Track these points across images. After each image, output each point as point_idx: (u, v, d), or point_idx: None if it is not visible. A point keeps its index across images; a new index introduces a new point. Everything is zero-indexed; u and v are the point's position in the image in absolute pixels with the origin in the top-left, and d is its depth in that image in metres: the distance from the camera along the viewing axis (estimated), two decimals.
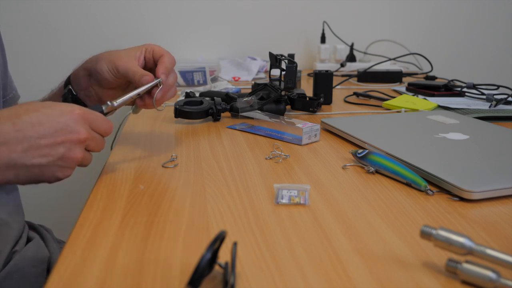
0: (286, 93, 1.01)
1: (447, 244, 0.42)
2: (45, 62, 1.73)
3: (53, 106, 0.58)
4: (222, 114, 0.98)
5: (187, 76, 1.40)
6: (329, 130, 0.89)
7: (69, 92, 0.81)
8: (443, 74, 1.56)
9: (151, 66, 0.78)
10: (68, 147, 0.56)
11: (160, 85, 0.72)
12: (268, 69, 1.06)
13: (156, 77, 0.73)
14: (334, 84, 1.19)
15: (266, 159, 0.73)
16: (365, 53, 1.85)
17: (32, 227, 0.91)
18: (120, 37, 1.79)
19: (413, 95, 1.22)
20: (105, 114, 0.69)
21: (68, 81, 0.82)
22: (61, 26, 1.75)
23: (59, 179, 0.59)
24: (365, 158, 0.69)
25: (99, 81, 0.77)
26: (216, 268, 0.42)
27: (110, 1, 1.77)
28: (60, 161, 0.56)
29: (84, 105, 0.82)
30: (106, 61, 0.75)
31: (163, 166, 0.69)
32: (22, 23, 1.72)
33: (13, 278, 0.76)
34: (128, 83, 0.78)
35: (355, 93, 1.25)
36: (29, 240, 0.86)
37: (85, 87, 0.80)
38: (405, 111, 1.07)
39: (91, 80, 0.79)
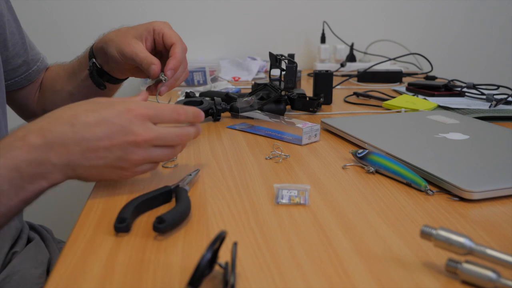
0: (286, 93, 1.01)
1: (447, 244, 0.42)
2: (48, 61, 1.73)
3: (111, 105, 0.55)
4: (222, 114, 0.98)
5: (187, 77, 1.40)
6: (329, 130, 0.89)
7: (93, 66, 0.82)
8: (443, 74, 1.56)
9: (161, 48, 0.78)
10: (125, 150, 0.54)
11: (165, 81, 0.73)
12: (268, 69, 1.06)
13: (163, 72, 0.73)
14: (334, 84, 1.19)
15: (266, 159, 0.73)
16: (365, 53, 1.85)
17: (32, 227, 0.91)
18: None
19: (413, 95, 1.22)
20: None
21: (92, 54, 0.83)
22: (66, 25, 1.75)
23: (121, 179, 0.58)
24: (365, 158, 0.69)
25: (112, 62, 0.79)
26: (216, 268, 0.42)
27: (112, 1, 1.77)
28: (117, 163, 0.54)
29: (110, 76, 0.84)
30: (114, 45, 0.75)
31: (163, 166, 0.69)
32: (26, 22, 1.71)
33: (13, 279, 0.76)
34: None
35: (355, 93, 1.25)
36: (29, 240, 0.86)
37: (106, 61, 0.82)
38: (405, 111, 1.07)
39: (106, 56, 0.80)
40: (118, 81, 0.86)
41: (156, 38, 0.77)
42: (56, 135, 0.52)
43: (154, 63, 0.72)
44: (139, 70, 0.79)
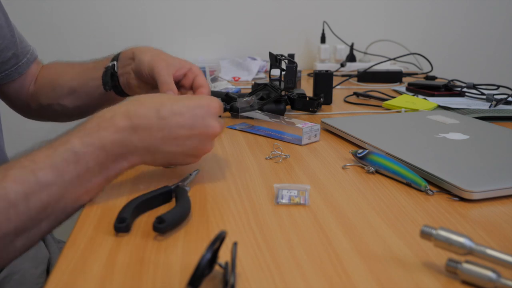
0: (286, 93, 1.01)
1: (447, 244, 0.42)
2: (47, 61, 1.73)
3: (192, 98, 0.61)
4: (222, 114, 0.98)
5: None
6: (329, 130, 0.89)
7: (112, 67, 0.83)
8: (443, 74, 1.56)
9: (186, 86, 0.79)
10: (202, 140, 0.59)
11: None
12: (268, 69, 1.06)
13: None
14: (334, 84, 1.19)
15: (266, 159, 0.73)
16: (365, 53, 1.85)
17: None
18: (121, 35, 1.79)
19: (413, 95, 1.22)
20: None
21: (116, 58, 0.84)
22: (66, 25, 1.76)
23: (187, 164, 0.63)
24: (365, 158, 0.69)
25: (136, 69, 0.79)
26: (216, 268, 0.42)
27: (112, 1, 1.77)
28: (192, 151, 0.59)
29: (118, 86, 0.84)
30: (149, 56, 0.77)
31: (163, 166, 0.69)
32: (26, 22, 1.71)
33: (13, 278, 0.76)
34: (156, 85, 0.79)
35: (355, 93, 1.25)
36: None
37: (123, 66, 0.82)
38: (405, 111, 1.07)
39: (132, 64, 0.80)
40: (120, 94, 0.85)
41: (189, 74, 0.78)
42: (142, 120, 0.56)
43: (172, 90, 0.73)
44: (150, 88, 0.80)
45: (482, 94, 1.17)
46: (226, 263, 0.41)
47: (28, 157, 0.52)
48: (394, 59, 1.56)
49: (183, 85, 0.79)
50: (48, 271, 0.82)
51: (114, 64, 0.83)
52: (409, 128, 0.88)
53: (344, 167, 0.70)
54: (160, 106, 0.57)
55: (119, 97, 0.86)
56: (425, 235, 0.43)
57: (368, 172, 0.68)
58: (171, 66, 0.76)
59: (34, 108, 0.96)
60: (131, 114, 0.56)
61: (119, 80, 0.83)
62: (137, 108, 0.56)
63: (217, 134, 0.60)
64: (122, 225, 0.49)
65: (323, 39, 1.79)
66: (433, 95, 1.21)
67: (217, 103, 0.61)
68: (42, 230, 0.52)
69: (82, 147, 0.52)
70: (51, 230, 0.54)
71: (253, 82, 1.22)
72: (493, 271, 0.40)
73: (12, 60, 0.90)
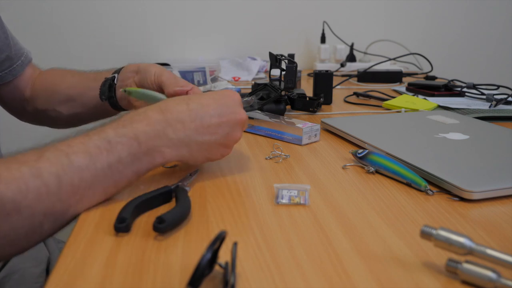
0: (286, 93, 1.01)
1: (447, 244, 0.42)
2: (47, 61, 1.73)
3: (215, 91, 0.65)
4: None
5: (187, 76, 1.40)
6: (329, 130, 0.89)
7: (112, 79, 0.83)
8: (443, 74, 1.56)
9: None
10: (232, 127, 0.62)
11: None
12: (268, 69, 1.06)
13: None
14: (334, 84, 1.19)
15: (266, 159, 0.73)
16: (365, 53, 1.85)
17: None
18: (121, 35, 1.79)
19: (413, 95, 1.22)
20: None
21: (118, 71, 0.84)
22: (66, 25, 1.76)
23: (222, 157, 0.64)
24: (365, 158, 0.69)
25: (140, 81, 0.79)
26: (216, 268, 0.42)
27: (112, 1, 1.77)
28: (224, 139, 0.61)
29: (114, 100, 0.84)
30: (157, 68, 0.78)
31: (163, 166, 0.69)
32: (26, 22, 1.72)
33: (12, 278, 0.76)
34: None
35: (355, 93, 1.25)
36: None
37: (124, 79, 0.82)
38: (405, 111, 1.07)
39: (135, 77, 0.80)
40: (114, 107, 0.85)
41: (189, 94, 0.78)
42: (174, 113, 0.58)
43: (185, 86, 0.74)
44: None
45: (482, 94, 1.17)
46: (226, 263, 0.41)
47: (64, 142, 0.53)
48: (394, 59, 1.56)
49: None
50: (47, 271, 0.82)
51: (114, 76, 0.83)
52: (409, 128, 0.88)
53: (344, 167, 0.70)
54: (188, 100, 0.61)
55: (113, 110, 0.85)
56: (425, 235, 0.43)
57: (368, 172, 0.68)
58: (178, 79, 0.76)
59: (29, 111, 0.96)
60: (163, 109, 0.59)
61: (115, 92, 0.83)
62: (167, 104, 0.60)
63: (244, 120, 0.63)
64: (122, 225, 0.49)
65: (323, 39, 1.79)
66: (433, 95, 1.21)
67: (238, 95, 0.65)
68: (69, 216, 0.52)
69: (115, 136, 0.54)
70: (75, 217, 0.54)
71: (253, 82, 1.22)
72: (493, 271, 0.40)
73: (6, 62, 0.90)
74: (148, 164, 0.57)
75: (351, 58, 1.78)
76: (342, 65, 1.72)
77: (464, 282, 0.41)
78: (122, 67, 0.84)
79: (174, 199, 0.56)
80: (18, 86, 0.95)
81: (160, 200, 0.56)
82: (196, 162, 0.62)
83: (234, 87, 1.34)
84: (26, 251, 0.54)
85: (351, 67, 1.73)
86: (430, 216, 0.54)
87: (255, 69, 1.61)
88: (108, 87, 0.83)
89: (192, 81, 1.41)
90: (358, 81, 1.50)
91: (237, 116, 0.62)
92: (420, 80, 1.48)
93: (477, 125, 0.89)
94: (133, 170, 0.56)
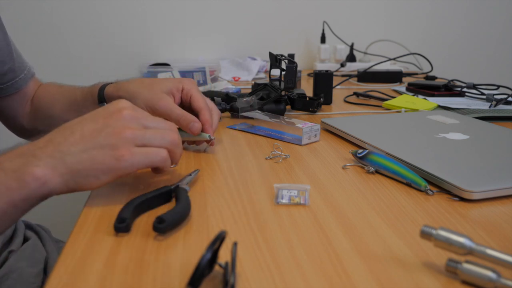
0: (286, 93, 1.01)
1: (447, 244, 0.42)
2: (47, 61, 1.73)
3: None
4: (222, 114, 0.98)
5: (187, 76, 1.40)
6: (329, 130, 0.89)
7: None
8: (443, 74, 1.56)
9: (186, 106, 0.76)
10: (111, 124, 0.53)
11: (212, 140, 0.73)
12: (268, 69, 1.06)
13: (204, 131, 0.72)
14: (334, 84, 1.19)
15: (266, 159, 0.73)
16: (365, 53, 1.85)
17: (29, 226, 0.91)
18: (121, 35, 1.79)
19: (413, 95, 1.22)
20: None
21: (103, 98, 0.80)
22: (66, 25, 1.76)
23: (118, 164, 0.52)
24: (365, 158, 0.69)
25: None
26: (216, 268, 0.42)
27: (112, 1, 1.77)
28: (106, 140, 0.52)
29: None
30: (143, 99, 0.72)
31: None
32: (26, 22, 1.72)
33: (10, 278, 0.76)
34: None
35: (355, 93, 1.25)
36: (26, 239, 0.86)
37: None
38: (405, 111, 1.07)
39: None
40: None
41: (183, 97, 0.76)
42: (43, 139, 0.53)
43: (195, 120, 0.70)
44: None
45: (482, 94, 1.17)
46: (226, 263, 0.41)
47: None
48: (394, 59, 1.56)
49: (184, 107, 0.76)
50: (45, 271, 0.82)
51: (103, 104, 0.79)
52: (409, 128, 0.88)
53: (344, 167, 0.70)
54: (57, 129, 0.54)
55: None
56: (425, 235, 0.43)
57: (368, 172, 0.68)
58: (168, 97, 0.73)
59: (30, 131, 0.96)
60: (33, 143, 0.53)
61: None
62: (39, 140, 0.53)
63: (127, 114, 0.54)
64: (122, 225, 0.49)
65: (323, 39, 1.79)
66: (433, 95, 1.21)
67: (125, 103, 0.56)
68: None
69: None
70: None
71: (253, 82, 1.22)
72: (493, 271, 0.40)
73: (9, 74, 0.89)
74: (21, 190, 0.49)
75: (351, 58, 1.78)
76: (342, 65, 1.72)
77: (464, 282, 0.41)
78: (102, 91, 0.79)
79: (174, 199, 0.56)
80: (21, 101, 0.94)
81: (160, 200, 0.56)
82: (86, 185, 0.52)
83: (234, 87, 1.34)
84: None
85: (351, 67, 1.73)
86: (430, 216, 0.54)
87: (255, 69, 1.61)
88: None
89: None
90: (358, 81, 1.50)
91: (113, 114, 0.54)
92: (420, 80, 1.48)
93: (477, 125, 0.89)
94: (5, 201, 0.49)
